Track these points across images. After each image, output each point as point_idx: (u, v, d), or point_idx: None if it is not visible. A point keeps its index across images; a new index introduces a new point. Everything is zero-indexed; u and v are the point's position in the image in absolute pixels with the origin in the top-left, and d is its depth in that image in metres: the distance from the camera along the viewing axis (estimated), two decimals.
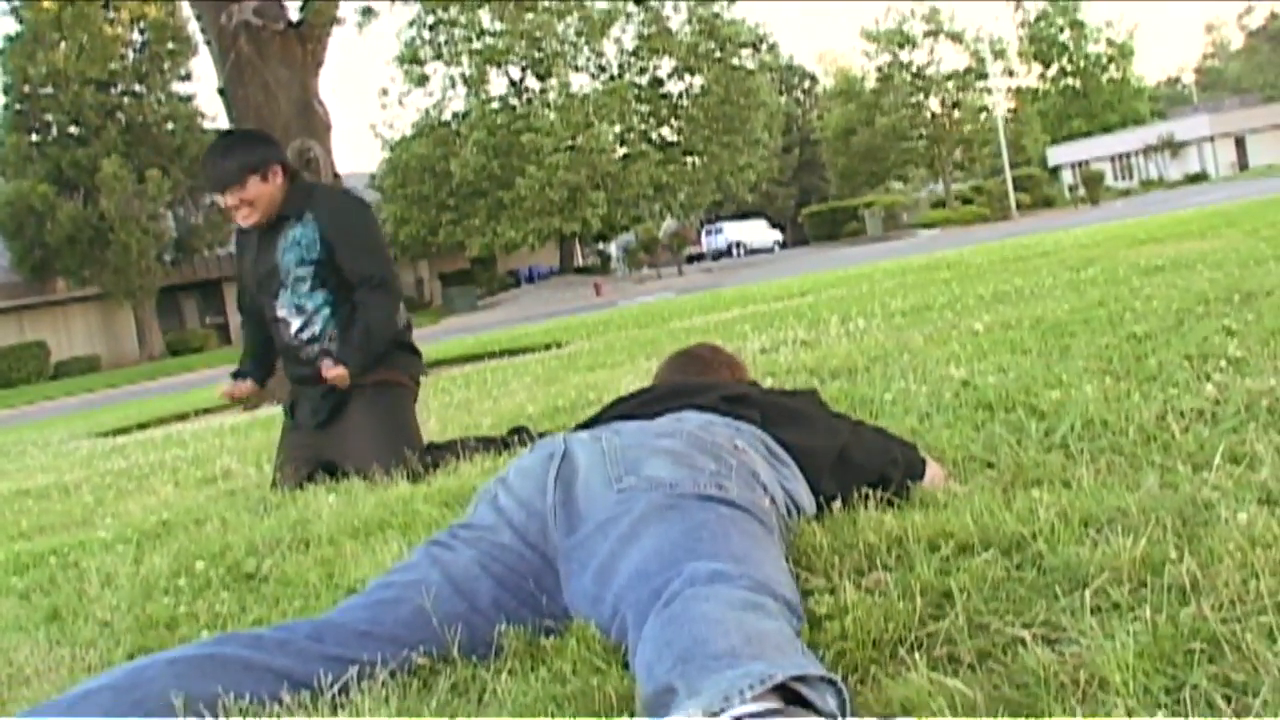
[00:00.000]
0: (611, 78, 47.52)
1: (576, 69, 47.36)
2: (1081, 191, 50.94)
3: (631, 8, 47.48)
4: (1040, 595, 1.86)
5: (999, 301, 7.16)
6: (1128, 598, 1.77)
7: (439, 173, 44.79)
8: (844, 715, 1.44)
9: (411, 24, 46.99)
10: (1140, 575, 1.85)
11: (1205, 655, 1.54)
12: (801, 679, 1.42)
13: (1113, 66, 65.38)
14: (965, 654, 1.70)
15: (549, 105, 45.26)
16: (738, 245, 60.09)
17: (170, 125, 44.39)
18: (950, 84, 56.76)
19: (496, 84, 47.31)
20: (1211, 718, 1.40)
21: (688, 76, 48.20)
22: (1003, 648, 1.69)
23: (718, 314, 12.36)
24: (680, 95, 48.53)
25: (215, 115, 44.45)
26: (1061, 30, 64.42)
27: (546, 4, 45.56)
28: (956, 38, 56.90)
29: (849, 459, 2.51)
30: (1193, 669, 1.50)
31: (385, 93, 59.68)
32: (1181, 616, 1.64)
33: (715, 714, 1.35)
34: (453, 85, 47.27)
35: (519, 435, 4.66)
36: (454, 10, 46.01)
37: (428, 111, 47.41)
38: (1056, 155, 64.91)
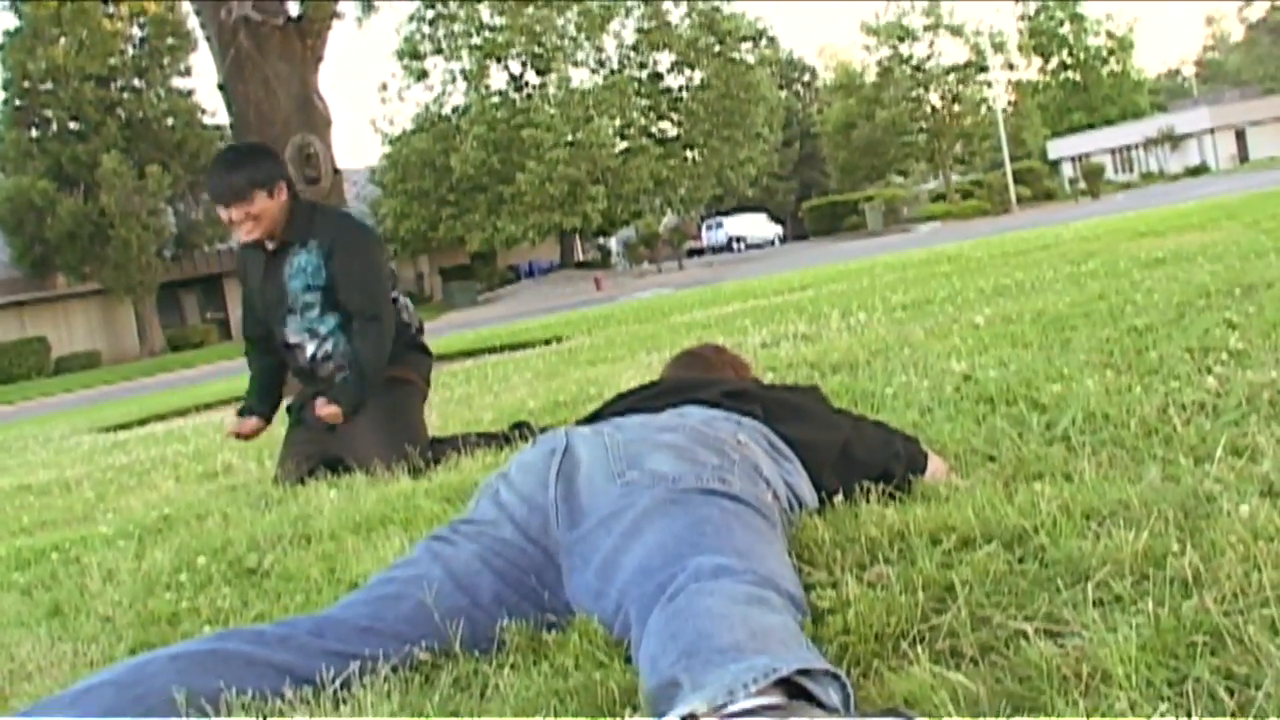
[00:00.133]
0: (611, 72, 47.50)
1: (576, 64, 47.32)
2: (1082, 185, 50.91)
3: (631, 2, 47.46)
4: (1042, 588, 1.85)
5: (1000, 295, 7.15)
6: (1130, 591, 1.77)
7: (439, 167, 44.76)
8: (847, 709, 1.44)
9: (411, 19, 47.00)
10: (1142, 568, 1.85)
11: (1208, 648, 1.53)
12: (806, 673, 1.42)
13: (1113, 59, 65.27)
14: (967, 647, 1.70)
15: (549, 100, 45.23)
16: (738, 240, 60.05)
17: (170, 121, 44.38)
18: (950, 78, 56.68)
19: (496, 79, 47.31)
20: (1214, 711, 1.40)
21: (687, 71, 48.19)
22: (1005, 641, 1.69)
23: (718, 309, 12.35)
24: (680, 90, 48.51)
25: (215, 111, 44.51)
26: (1061, 23, 64.32)
27: None
28: (956, 31, 56.82)
29: (851, 454, 2.51)
30: (1195, 662, 1.50)
31: (385, 87, 59.37)
32: (1184, 609, 1.64)
33: (719, 707, 1.35)
34: (453, 80, 47.27)
35: (520, 431, 4.67)
36: (454, 5, 46.00)
37: (428, 106, 47.40)
38: (1057, 148, 64.84)
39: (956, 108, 56.76)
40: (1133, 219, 16.29)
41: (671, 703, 1.42)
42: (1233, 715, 1.39)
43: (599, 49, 47.88)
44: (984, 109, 56.11)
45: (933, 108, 57.29)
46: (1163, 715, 1.40)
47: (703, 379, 2.75)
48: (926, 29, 57.00)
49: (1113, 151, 63.14)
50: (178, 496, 5.02)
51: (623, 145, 46.31)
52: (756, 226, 61.85)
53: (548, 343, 11.92)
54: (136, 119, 43.65)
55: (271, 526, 3.61)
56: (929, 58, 57.22)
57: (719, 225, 61.22)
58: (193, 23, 38.49)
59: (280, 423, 4.89)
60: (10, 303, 43.02)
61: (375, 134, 49.13)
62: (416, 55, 47.19)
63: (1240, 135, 60.97)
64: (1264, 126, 60.47)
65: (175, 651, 1.91)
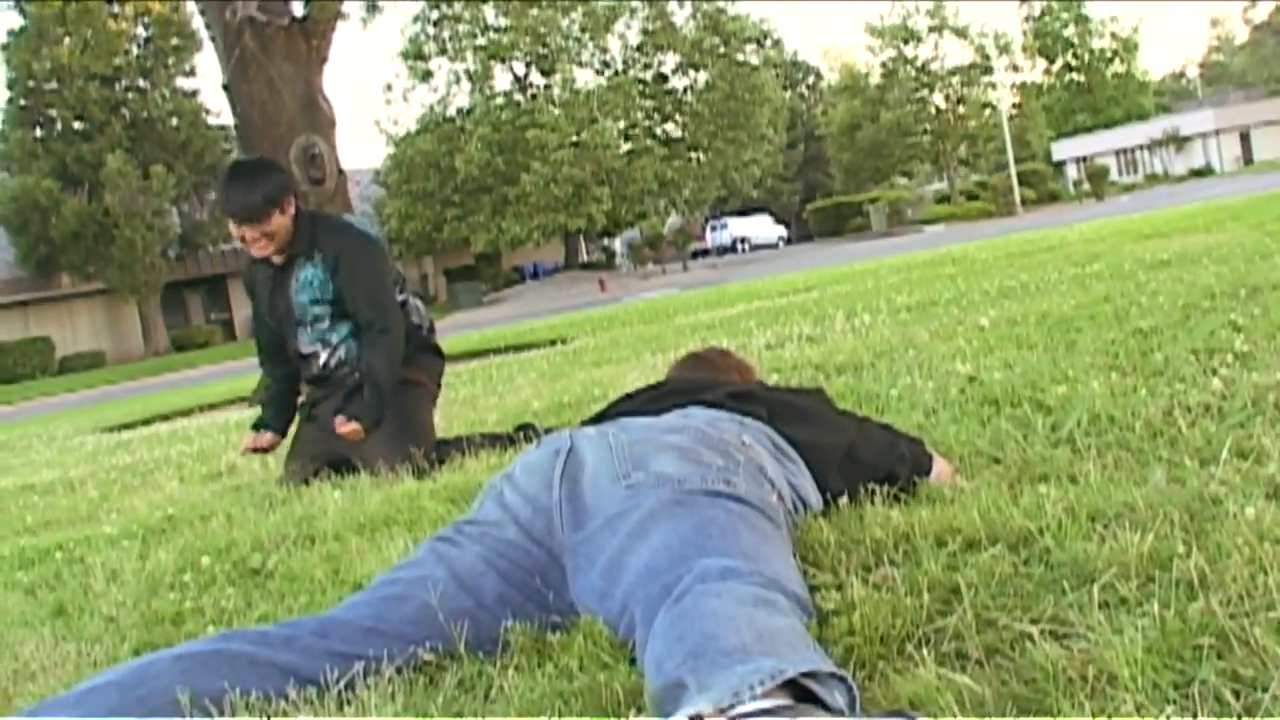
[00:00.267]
0: (616, 73, 47.51)
1: (581, 65, 47.34)
2: (1086, 186, 50.87)
3: (636, 3, 47.47)
4: (1048, 591, 1.85)
5: (1004, 297, 7.14)
6: (1136, 593, 1.77)
7: (444, 168, 44.80)
8: (853, 711, 1.44)
9: (416, 19, 47.05)
10: (1148, 570, 1.84)
11: (1214, 650, 1.53)
12: (812, 675, 1.42)
13: (1117, 61, 65.24)
14: (973, 650, 1.70)
15: (553, 101, 45.25)
16: (742, 241, 60.04)
17: (175, 121, 44.49)
18: (955, 79, 56.70)
19: (501, 80, 47.37)
20: (1220, 713, 1.40)
21: (692, 72, 48.20)
22: (1010, 643, 1.69)
23: (723, 310, 12.35)
24: (685, 91, 48.53)
25: (220, 111, 44.64)
26: (1066, 25, 64.29)
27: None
28: (961, 33, 56.83)
29: (856, 456, 2.51)
30: (1201, 664, 1.50)
31: (390, 88, 59.47)
32: (1190, 612, 1.64)
33: (725, 709, 1.35)
34: (457, 81, 47.32)
35: (525, 432, 4.67)
36: (458, 6, 46.05)
37: (432, 107, 47.44)
38: (1061, 150, 64.80)
39: (961, 109, 56.77)
40: (1137, 221, 16.29)
41: (677, 704, 1.42)
42: (1239, 718, 1.39)
43: (603, 50, 47.91)
44: (988, 111, 56.11)
45: (937, 109, 57.31)
46: (1169, 718, 1.39)
47: (708, 380, 2.75)
48: (931, 30, 57.03)
49: (1117, 153, 63.09)
50: (182, 497, 5.02)
51: (627, 146, 46.32)
52: (761, 228, 61.83)
53: (552, 344, 11.92)
54: (141, 119, 43.73)
55: (276, 527, 3.61)
56: (934, 59, 57.26)
57: (724, 226, 61.21)
58: (198, 23, 38.53)
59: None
60: (15, 302, 43.08)
61: (380, 135, 48.99)
62: (421, 56, 47.23)
63: (1245, 137, 60.93)
64: (1269, 128, 60.43)
65: (179, 652, 1.91)
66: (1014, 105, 59.98)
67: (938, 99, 57.38)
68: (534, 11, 45.00)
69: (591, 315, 17.42)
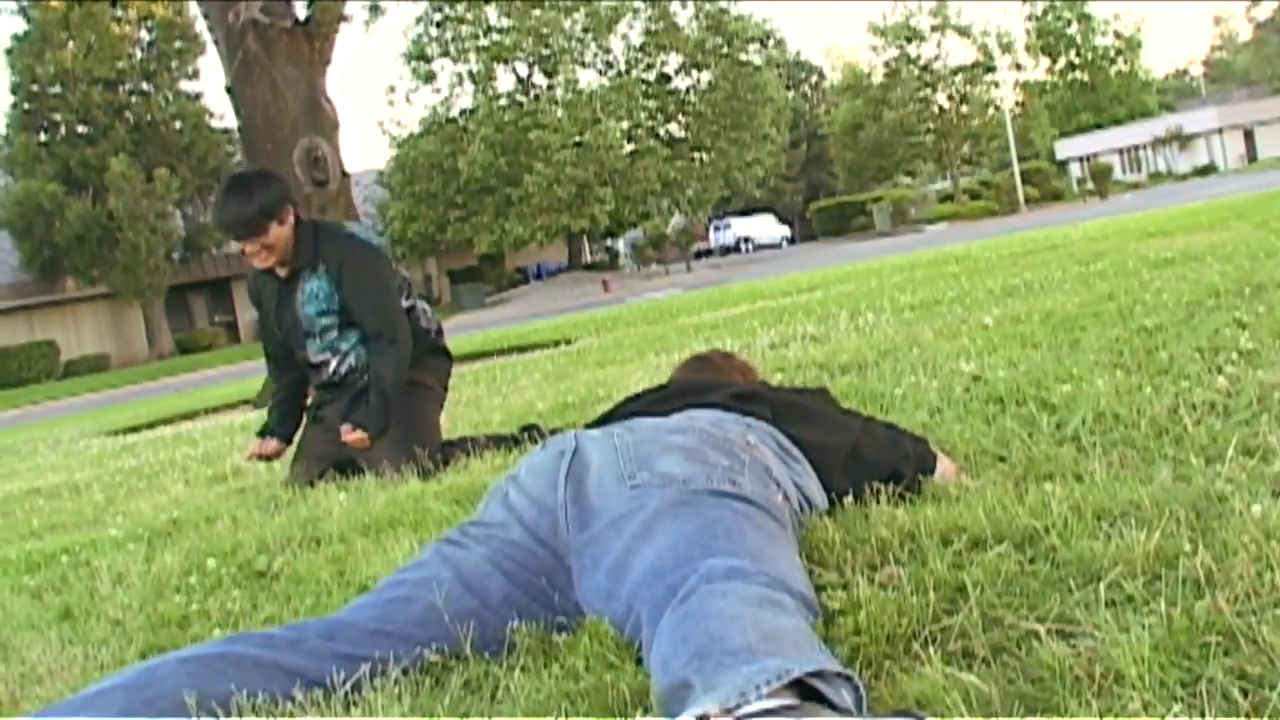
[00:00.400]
0: (619, 74, 47.49)
1: (584, 65, 47.31)
2: (1090, 185, 50.82)
3: (638, 4, 47.45)
4: (1054, 589, 1.85)
5: (1008, 295, 7.14)
6: (1142, 591, 1.77)
7: (447, 170, 44.79)
8: (859, 711, 1.43)
9: (419, 21, 47.02)
10: (1154, 568, 1.84)
11: (1221, 648, 1.53)
12: (818, 675, 1.42)
13: (1120, 59, 65.18)
14: (979, 648, 1.70)
15: (556, 102, 45.23)
16: (746, 241, 60.04)
17: (178, 124, 44.48)
18: (958, 78, 56.65)
19: (504, 81, 47.34)
20: (1228, 712, 1.40)
21: (695, 72, 48.17)
22: (1017, 642, 1.69)
23: (726, 310, 12.35)
24: (687, 91, 48.50)
25: (223, 114, 44.65)
26: (1069, 23, 64.22)
27: (553, 0, 45.53)
28: (964, 32, 56.79)
29: (861, 455, 2.51)
30: (1208, 662, 1.50)
31: (393, 90, 59.24)
32: (1196, 610, 1.63)
33: (731, 709, 1.35)
34: (460, 82, 47.28)
35: (530, 433, 4.67)
36: (461, 7, 46.01)
37: (435, 109, 47.42)
38: (1064, 149, 64.74)
39: (964, 108, 56.73)
40: (1141, 219, 16.27)
41: (683, 704, 1.42)
42: (1246, 716, 1.38)
43: (606, 51, 47.89)
44: (991, 109, 56.07)
45: (940, 108, 57.26)
46: (1176, 716, 1.39)
47: (712, 381, 2.75)
48: (934, 29, 56.98)
49: (1121, 152, 63.03)
50: (187, 499, 5.03)
51: (630, 147, 46.28)
52: (764, 228, 61.83)
53: (556, 344, 11.92)
54: (145, 122, 43.75)
55: (281, 529, 3.62)
56: (936, 58, 57.20)
57: (727, 226, 61.22)
58: (201, 26, 38.50)
59: None
60: (19, 306, 43.12)
61: (383, 136, 49.01)
62: (424, 58, 47.21)
63: (1248, 135, 60.87)
64: (1272, 126, 60.38)
65: (185, 655, 1.91)
66: (1017, 104, 59.90)
67: (941, 98, 57.33)
68: (537, 12, 44.98)
69: (595, 316, 17.43)
